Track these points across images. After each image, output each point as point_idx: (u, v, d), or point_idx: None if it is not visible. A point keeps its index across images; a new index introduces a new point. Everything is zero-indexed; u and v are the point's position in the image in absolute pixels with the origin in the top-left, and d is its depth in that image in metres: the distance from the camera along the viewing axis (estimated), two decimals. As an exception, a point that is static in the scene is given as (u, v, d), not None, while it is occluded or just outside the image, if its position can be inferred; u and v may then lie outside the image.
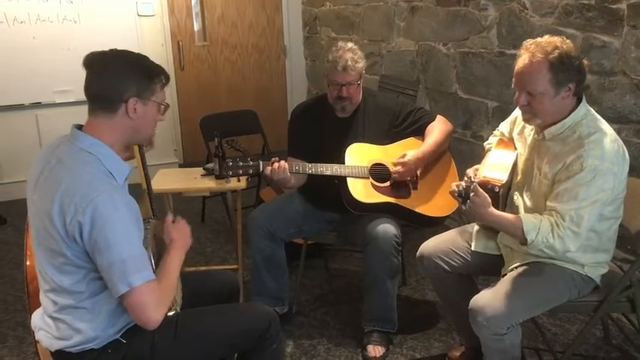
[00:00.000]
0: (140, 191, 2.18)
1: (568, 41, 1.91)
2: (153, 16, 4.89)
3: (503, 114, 3.25)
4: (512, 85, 1.97)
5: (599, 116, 1.97)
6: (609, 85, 2.64)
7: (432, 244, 2.31)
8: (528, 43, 1.94)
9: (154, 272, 1.57)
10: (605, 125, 1.94)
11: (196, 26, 5.29)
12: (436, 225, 2.65)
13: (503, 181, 2.04)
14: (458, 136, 3.72)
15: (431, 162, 2.62)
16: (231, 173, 2.38)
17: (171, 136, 5.22)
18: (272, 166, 2.41)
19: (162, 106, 1.64)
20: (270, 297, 2.72)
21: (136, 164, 2.00)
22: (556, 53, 1.86)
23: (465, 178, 1.92)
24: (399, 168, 2.49)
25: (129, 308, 1.49)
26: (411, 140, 2.64)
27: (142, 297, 1.47)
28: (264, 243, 2.63)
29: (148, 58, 1.62)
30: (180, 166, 5.20)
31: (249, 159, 2.41)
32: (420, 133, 2.65)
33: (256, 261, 2.68)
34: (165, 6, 5.04)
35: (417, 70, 4.02)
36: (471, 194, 1.86)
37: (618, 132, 2.60)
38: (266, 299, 2.72)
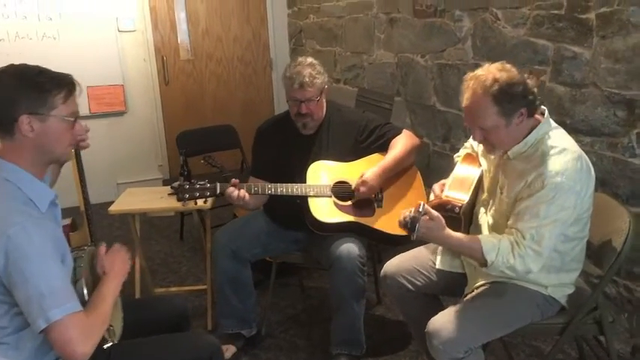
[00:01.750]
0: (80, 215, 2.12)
1: (508, 66, 1.84)
2: (134, 31, 4.86)
3: (479, 127, 3.19)
4: (465, 123, 1.91)
5: (563, 132, 1.90)
6: (581, 97, 2.56)
7: (395, 263, 2.24)
8: (468, 77, 1.88)
9: (86, 303, 1.51)
10: (568, 141, 1.87)
11: (181, 40, 5.26)
12: (402, 243, 2.57)
13: (465, 202, 1.98)
14: (437, 149, 3.66)
15: (396, 178, 2.55)
16: (187, 196, 2.33)
17: (155, 152, 5.18)
18: (229, 188, 2.35)
19: (71, 120, 1.55)
20: (236, 319, 2.65)
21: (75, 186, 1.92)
22: (496, 86, 1.78)
23: (412, 209, 1.82)
24: (359, 187, 2.42)
25: (52, 343, 1.43)
26: (376, 156, 2.57)
27: (65, 331, 1.40)
28: (228, 263, 2.57)
29: (47, 70, 1.52)
30: (165, 182, 5.15)
31: (206, 181, 2.35)
32: (385, 148, 2.58)
33: (221, 282, 2.61)
34: (149, 21, 5.01)
35: (397, 82, 3.96)
36: (425, 217, 1.78)
37: (590, 145, 2.54)
38: (232, 321, 2.65)
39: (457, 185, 2.06)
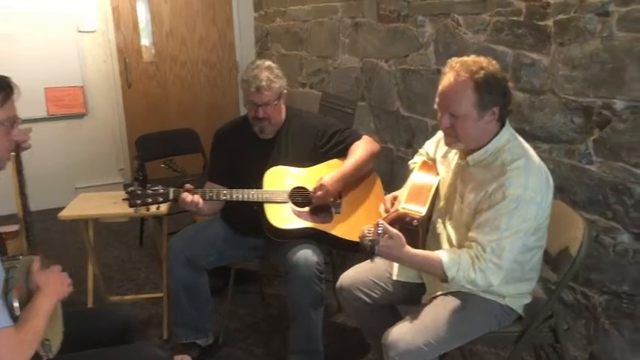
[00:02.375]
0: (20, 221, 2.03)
1: (494, 62, 1.82)
2: (95, 32, 4.74)
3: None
4: (435, 105, 1.87)
5: (523, 141, 1.88)
6: (539, 103, 2.56)
7: (350, 275, 2.19)
8: (454, 61, 1.84)
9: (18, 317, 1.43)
10: (528, 152, 1.85)
11: (144, 42, 5.16)
12: (351, 249, 2.53)
13: (423, 214, 1.94)
14: (401, 154, 3.64)
15: (355, 184, 2.52)
16: (139, 202, 2.26)
17: (116, 155, 5.06)
18: (183, 194, 2.29)
19: (7, 125, 1.48)
20: (192, 328, 2.59)
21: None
22: (482, 74, 1.76)
23: (372, 230, 1.74)
24: (317, 192, 2.38)
25: None
26: (336, 162, 2.54)
27: (-8, 347, 1.32)
28: (183, 271, 2.50)
29: None
30: (126, 186, 5.02)
31: (159, 187, 2.29)
32: (344, 154, 2.55)
33: (175, 290, 2.54)
34: (111, 22, 4.90)
35: (361, 86, 3.93)
36: (385, 236, 1.74)
37: (549, 151, 2.54)
38: (187, 330, 2.58)
39: (414, 196, 2.02)
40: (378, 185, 2.60)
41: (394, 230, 1.78)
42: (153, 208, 2.38)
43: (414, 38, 3.34)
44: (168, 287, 2.62)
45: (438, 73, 3.16)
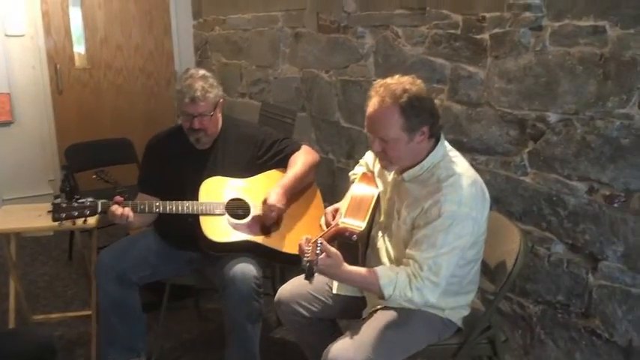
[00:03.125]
0: None
1: (418, 81, 1.82)
2: (23, 36, 4.52)
3: (381, 144, 3.18)
4: (365, 130, 1.85)
5: (459, 156, 1.89)
6: (476, 116, 2.59)
7: (288, 289, 2.14)
8: (378, 84, 1.83)
9: None
10: (463, 166, 1.85)
11: (77, 48, 4.95)
12: (291, 262, 2.47)
13: (362, 228, 1.92)
14: (342, 165, 3.62)
15: (294, 195, 2.47)
16: (64, 215, 2.13)
17: (45, 165, 4.82)
18: (112, 207, 2.18)
19: None
20: (122, 347, 2.45)
21: None
22: (405, 97, 1.75)
23: (310, 249, 1.69)
24: (268, 215, 2.31)
25: None
26: (274, 172, 2.48)
27: None
28: (112, 287, 2.37)
29: None
30: (56, 197, 4.80)
31: (87, 199, 2.17)
32: (283, 164, 2.50)
33: (104, 308, 2.41)
34: (40, 26, 4.67)
35: (302, 97, 3.90)
36: (322, 255, 1.69)
37: (485, 163, 2.57)
38: (118, 350, 2.45)
39: (354, 209, 1.99)
40: (318, 196, 2.57)
41: (332, 249, 1.75)
42: (80, 222, 2.26)
43: (354, 49, 3.33)
44: (98, 304, 2.48)
45: (378, 84, 3.22)
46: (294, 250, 2.37)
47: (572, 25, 2.14)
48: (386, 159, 1.87)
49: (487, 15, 2.47)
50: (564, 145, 2.24)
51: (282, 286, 2.15)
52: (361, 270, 1.83)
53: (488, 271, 2.06)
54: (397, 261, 1.91)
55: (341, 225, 1.93)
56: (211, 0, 4.98)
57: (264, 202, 2.34)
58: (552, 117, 2.27)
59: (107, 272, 2.35)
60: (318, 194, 2.57)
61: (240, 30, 4.60)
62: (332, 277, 1.85)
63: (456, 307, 1.95)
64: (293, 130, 3.31)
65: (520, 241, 1.94)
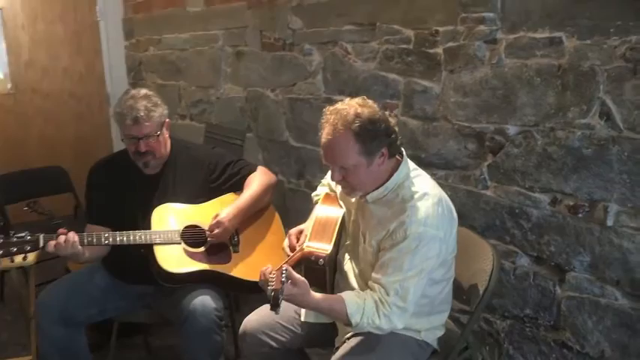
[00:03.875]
0: None
1: (370, 102, 1.76)
2: (-62, 59, 4.19)
3: (334, 162, 3.10)
4: (323, 161, 1.78)
5: (422, 173, 1.84)
6: (433, 130, 2.56)
7: (255, 319, 2.01)
8: (328, 112, 1.76)
9: None
10: (428, 185, 1.80)
11: (-1, 72, 4.65)
12: (262, 291, 2.35)
13: (329, 251, 1.83)
14: (292, 186, 3.52)
15: (252, 219, 2.35)
16: (1, 252, 1.92)
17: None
18: (57, 240, 1.99)
19: None
20: (68, 395, 2.24)
21: None
22: (358, 122, 1.69)
23: (274, 278, 1.61)
24: (213, 230, 2.18)
25: None
26: (230, 196, 2.36)
27: None
28: (56, 330, 2.17)
29: None
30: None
31: (25, 234, 1.97)
32: (239, 187, 2.37)
33: (48, 353, 2.20)
34: (-42, 49, 4.37)
35: (247, 117, 3.78)
36: (288, 283, 1.60)
37: (445, 178, 2.53)
38: (63, 399, 2.23)
39: (319, 232, 1.90)
40: (277, 219, 2.46)
41: (298, 276, 1.66)
42: (18, 259, 2.05)
43: (302, 66, 3.26)
44: (39, 350, 2.26)
45: (328, 101, 3.15)
46: (255, 277, 2.26)
47: (527, 37, 2.15)
48: (348, 187, 1.81)
49: (440, 29, 2.45)
50: (525, 157, 2.23)
51: (248, 316, 2.02)
52: (328, 298, 1.75)
53: (460, 289, 2.01)
54: (366, 284, 1.83)
55: (306, 249, 1.84)
56: (144, 20, 4.79)
57: (215, 217, 2.21)
58: (511, 129, 2.26)
59: (50, 313, 2.14)
60: (277, 217, 2.47)
61: (177, 50, 4.44)
62: (298, 305, 1.78)
63: (431, 328, 1.88)
64: (242, 152, 3.19)
65: (493, 258, 1.90)
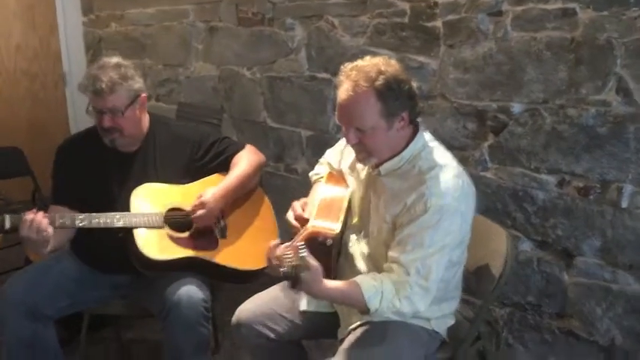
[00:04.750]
0: None
1: (393, 62, 1.62)
2: None
3: (319, 144, 2.95)
4: (337, 120, 1.63)
5: (440, 145, 1.70)
6: (429, 109, 2.43)
7: (250, 308, 1.83)
8: (348, 68, 1.61)
9: None
10: (447, 157, 1.67)
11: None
12: (252, 279, 2.16)
13: (337, 231, 1.66)
14: (270, 169, 3.33)
15: (240, 202, 2.17)
16: (-40, 236, 1.68)
17: None
18: (25, 220, 1.76)
19: None
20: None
21: None
22: (382, 79, 1.54)
23: (288, 256, 1.44)
24: (197, 211, 1.99)
25: None
26: (216, 177, 2.16)
27: None
28: (22, 324, 1.93)
29: None
30: None
31: (-13, 213, 1.73)
32: (226, 167, 2.18)
33: (14, 349, 1.96)
34: None
35: (220, 97, 3.56)
36: (309, 256, 1.44)
37: (442, 159, 2.41)
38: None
39: (325, 211, 1.73)
40: (266, 203, 2.28)
41: (313, 262, 1.48)
42: (-23, 245, 1.81)
43: (283, 43, 3.07)
44: (4, 346, 2.01)
45: (312, 79, 2.99)
46: (244, 265, 2.09)
47: (537, 8, 2.03)
48: (364, 151, 1.65)
49: (439, 1, 2.32)
50: (531, 137, 2.13)
51: (242, 305, 1.85)
52: (341, 284, 1.59)
53: (471, 276, 1.88)
54: (377, 267, 1.68)
55: (311, 229, 1.67)
56: (105, -6, 4.50)
57: (199, 197, 2.02)
58: (517, 107, 2.15)
59: (16, 306, 1.91)
60: (267, 201, 2.29)
61: (142, 26, 4.17)
62: (311, 293, 1.59)
63: (442, 317, 1.74)
64: (220, 132, 2.99)
65: (506, 242, 1.78)
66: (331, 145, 2.47)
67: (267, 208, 2.26)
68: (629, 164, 1.88)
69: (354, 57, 2.65)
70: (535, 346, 2.23)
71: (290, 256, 1.42)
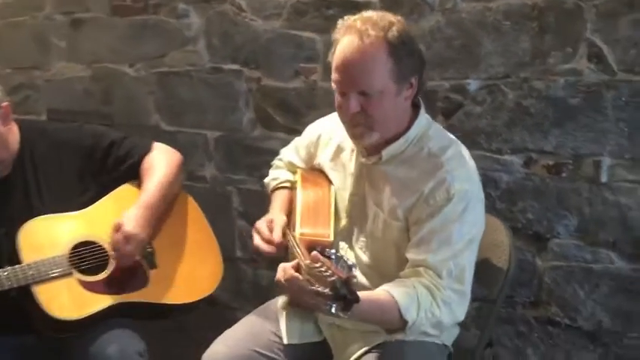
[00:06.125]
0: None
1: (400, 18, 1.36)
2: None
3: (230, 145, 2.57)
4: (333, 84, 1.32)
5: (440, 126, 1.48)
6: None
7: (222, 350, 1.48)
8: (350, 20, 1.33)
9: None
10: (453, 137, 1.44)
11: None
12: (193, 311, 1.76)
13: (331, 239, 1.35)
14: (168, 180, 2.88)
15: (165, 215, 1.75)
16: None
17: None
18: None
19: None
20: None
21: None
22: (395, 30, 1.29)
23: (326, 271, 1.06)
24: (122, 248, 1.55)
25: None
26: (126, 190, 1.72)
27: None
28: None
29: None
30: None
31: None
32: (134, 175, 1.74)
33: None
34: None
35: (95, 101, 3.02)
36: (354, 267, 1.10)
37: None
38: None
39: (311, 217, 1.41)
40: (195, 208, 1.88)
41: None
42: None
43: (175, 32, 2.64)
44: None
45: (216, 72, 2.59)
46: (184, 297, 1.69)
47: (489, -26, 1.86)
48: (365, 124, 1.36)
49: (374, -27, 2.07)
50: (491, 116, 1.96)
51: (210, 349, 1.47)
52: (371, 294, 1.28)
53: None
54: (383, 275, 1.40)
55: (306, 239, 1.34)
56: None
57: (118, 229, 1.58)
58: (473, 84, 1.97)
59: None
60: (194, 204, 1.88)
61: (-20, 24, 3.46)
62: (355, 315, 1.16)
63: (451, 327, 1.50)
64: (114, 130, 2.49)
65: (505, 235, 1.59)
66: (245, 146, 2.14)
67: (197, 215, 1.85)
68: (606, 135, 1.77)
69: (269, 42, 2.38)
70: (509, 340, 2.07)
71: (328, 269, 1.05)
